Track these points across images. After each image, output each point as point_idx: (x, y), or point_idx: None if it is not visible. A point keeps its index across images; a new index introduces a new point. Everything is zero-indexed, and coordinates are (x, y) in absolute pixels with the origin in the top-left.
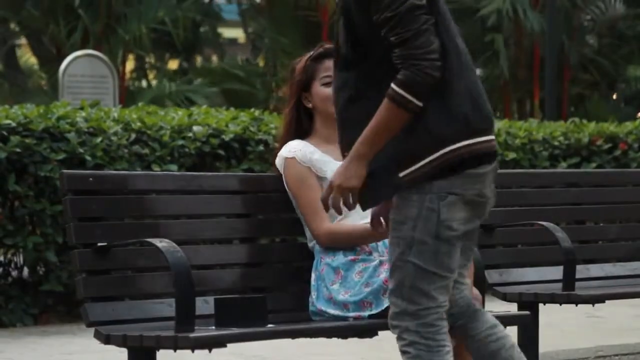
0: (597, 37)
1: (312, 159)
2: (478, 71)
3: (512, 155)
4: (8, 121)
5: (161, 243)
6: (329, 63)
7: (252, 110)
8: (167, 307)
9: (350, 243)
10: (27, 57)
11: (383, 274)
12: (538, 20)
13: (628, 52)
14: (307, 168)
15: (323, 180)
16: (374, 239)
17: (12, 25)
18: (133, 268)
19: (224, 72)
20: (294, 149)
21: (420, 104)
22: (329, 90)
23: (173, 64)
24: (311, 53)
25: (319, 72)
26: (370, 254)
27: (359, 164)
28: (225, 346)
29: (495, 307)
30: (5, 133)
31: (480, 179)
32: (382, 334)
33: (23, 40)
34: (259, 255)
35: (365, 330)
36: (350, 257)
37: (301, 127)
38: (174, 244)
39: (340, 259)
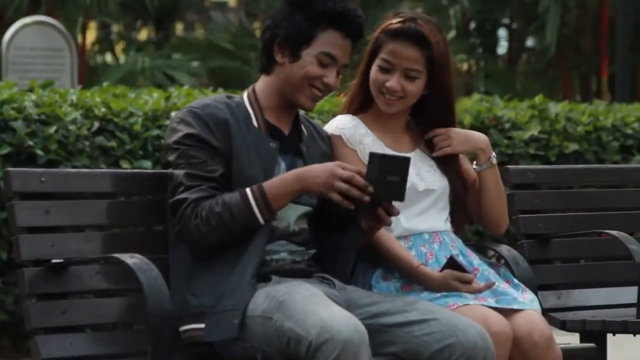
0: None
1: (362, 142)
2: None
3: (573, 146)
4: None
5: (132, 259)
6: (398, 45)
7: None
8: (140, 339)
9: (387, 261)
10: None
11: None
12: None
13: None
14: (354, 152)
15: None
16: (417, 278)
17: None
18: (96, 291)
19: (209, 44)
20: (342, 125)
21: None
22: (378, 76)
23: (146, 34)
24: (390, 21)
25: (382, 51)
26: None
27: None
28: None
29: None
30: None
31: None
32: None
33: None
34: None
35: None
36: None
37: (364, 104)
38: (147, 261)
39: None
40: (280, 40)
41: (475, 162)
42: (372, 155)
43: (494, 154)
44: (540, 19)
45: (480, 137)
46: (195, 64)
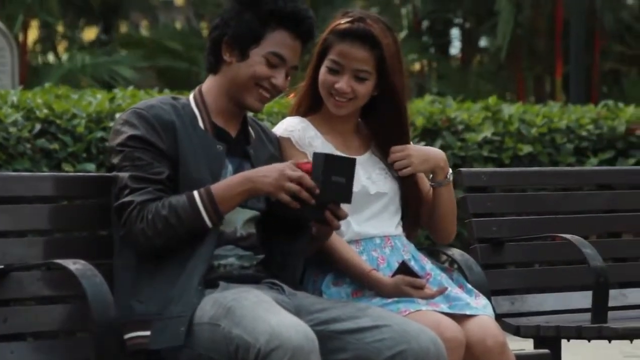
0: None
1: (311, 144)
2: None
3: (527, 148)
4: None
5: (75, 265)
6: (347, 46)
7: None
8: (83, 347)
9: (338, 266)
10: None
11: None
12: None
13: None
14: (303, 155)
15: None
16: (368, 284)
17: None
18: (38, 298)
19: (157, 44)
20: (291, 127)
21: None
22: (327, 78)
23: (90, 34)
24: (339, 22)
25: (330, 52)
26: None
27: None
28: None
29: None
30: None
31: None
32: None
33: None
34: None
35: None
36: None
37: (313, 106)
38: (91, 267)
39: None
40: (228, 39)
41: (432, 178)
42: (316, 155)
43: (450, 171)
44: (493, 19)
45: (439, 154)
46: (140, 61)
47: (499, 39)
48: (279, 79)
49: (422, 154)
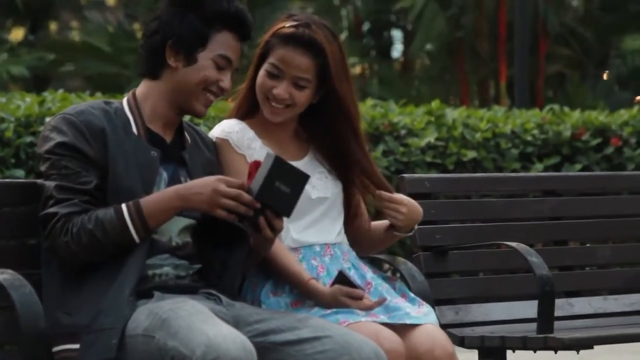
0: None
1: (250, 146)
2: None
3: (471, 154)
4: None
5: (2, 275)
6: (289, 52)
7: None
8: None
9: (277, 273)
10: None
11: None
12: None
13: (622, 19)
14: (242, 157)
15: None
16: (307, 293)
17: None
18: None
19: (87, 47)
20: (229, 129)
21: None
22: (265, 82)
23: (18, 34)
24: (283, 25)
25: (271, 56)
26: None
27: None
28: None
29: None
30: None
31: None
32: None
33: None
34: None
35: None
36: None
37: (252, 110)
38: (20, 277)
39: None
40: (173, 43)
41: (396, 229)
42: (268, 155)
43: (416, 227)
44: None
45: (420, 217)
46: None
47: (416, 43)
48: (226, 81)
49: (411, 214)
